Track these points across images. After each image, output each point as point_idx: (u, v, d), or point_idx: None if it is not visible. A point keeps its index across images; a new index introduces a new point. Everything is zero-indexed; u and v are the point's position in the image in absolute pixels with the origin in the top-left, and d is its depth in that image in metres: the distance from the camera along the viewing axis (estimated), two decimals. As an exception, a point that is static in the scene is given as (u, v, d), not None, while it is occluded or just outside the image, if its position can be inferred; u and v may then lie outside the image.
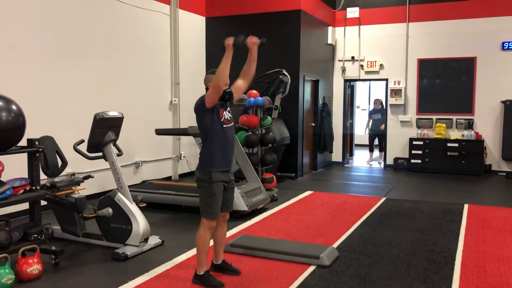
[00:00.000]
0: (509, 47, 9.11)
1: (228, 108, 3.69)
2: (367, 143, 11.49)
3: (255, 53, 3.61)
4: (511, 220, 5.65)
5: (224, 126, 3.59)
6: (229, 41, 3.44)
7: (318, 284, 3.63)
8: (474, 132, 9.36)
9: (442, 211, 6.13)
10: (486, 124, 9.43)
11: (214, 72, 3.50)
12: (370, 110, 11.47)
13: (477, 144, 9.22)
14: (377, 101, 10.95)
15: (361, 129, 14.54)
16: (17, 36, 5.61)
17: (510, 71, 9.16)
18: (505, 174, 9.22)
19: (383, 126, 10.42)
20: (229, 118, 3.66)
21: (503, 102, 9.17)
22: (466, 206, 6.42)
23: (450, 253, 4.41)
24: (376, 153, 11.40)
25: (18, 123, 3.79)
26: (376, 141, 11.20)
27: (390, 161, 10.27)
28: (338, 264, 4.09)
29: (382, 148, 10.71)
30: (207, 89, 3.62)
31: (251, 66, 3.67)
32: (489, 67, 9.31)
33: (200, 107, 3.55)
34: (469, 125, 9.46)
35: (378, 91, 14.18)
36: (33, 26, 5.79)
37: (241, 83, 3.71)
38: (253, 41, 3.53)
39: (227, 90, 3.56)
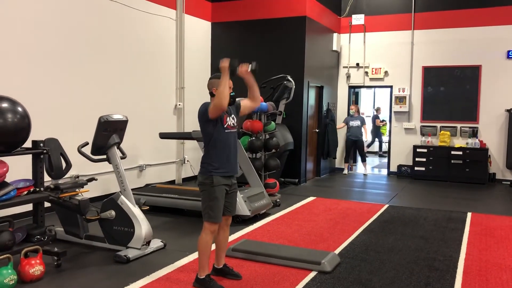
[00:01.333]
0: (515, 56, 9.11)
1: (233, 115, 3.71)
2: (372, 150, 11.42)
3: (249, 80, 3.67)
4: (514, 229, 5.63)
5: (227, 131, 3.61)
6: (225, 63, 3.48)
7: (319, 290, 3.63)
8: (479, 140, 9.33)
9: (445, 219, 6.11)
10: (490, 132, 9.40)
11: (218, 77, 3.55)
12: (347, 116, 10.46)
13: (481, 153, 9.19)
14: (353, 107, 10.34)
15: (365, 135, 14.60)
16: (24, 39, 5.66)
17: (515, 79, 9.15)
18: (509, 182, 9.18)
19: (365, 136, 10.22)
20: (232, 124, 3.68)
21: (508, 110, 9.15)
22: (469, 215, 6.40)
23: (452, 261, 4.40)
24: (361, 166, 10.76)
25: (23, 125, 3.82)
26: (356, 151, 10.69)
27: (393, 168, 10.25)
28: (339, 270, 4.08)
29: (365, 158, 10.47)
30: (211, 93, 3.64)
31: (253, 92, 3.74)
32: (494, 75, 9.30)
33: (203, 116, 3.58)
34: (474, 133, 9.44)
35: (383, 98, 14.22)
36: (40, 30, 5.85)
37: (248, 104, 3.80)
38: (243, 70, 3.59)
39: (231, 94, 3.58)
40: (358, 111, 10.45)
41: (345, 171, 10.41)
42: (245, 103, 3.80)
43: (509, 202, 7.46)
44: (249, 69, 3.59)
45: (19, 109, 3.83)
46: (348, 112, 10.54)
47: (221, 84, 3.44)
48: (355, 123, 10.16)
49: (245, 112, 3.84)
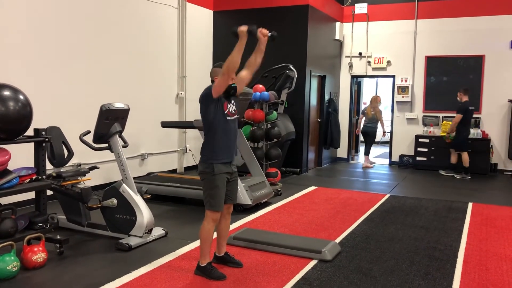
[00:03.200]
0: (518, 46, 9.05)
1: (233, 102, 3.70)
2: (376, 140, 11.28)
3: (263, 45, 3.62)
4: (515, 219, 5.64)
5: (228, 118, 3.60)
6: (243, 28, 3.43)
7: (319, 278, 3.65)
8: (481, 130, 9.31)
9: (446, 209, 6.12)
10: (493, 123, 9.38)
11: (221, 66, 3.52)
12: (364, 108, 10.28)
13: (484, 143, 9.17)
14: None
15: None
16: (26, 27, 5.64)
17: (519, 70, 9.11)
18: (510, 173, 9.18)
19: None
20: (233, 111, 3.67)
21: (511, 101, 9.11)
22: (470, 205, 6.41)
23: (452, 250, 4.41)
24: (364, 158, 10.23)
25: (25, 113, 3.82)
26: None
27: (395, 158, 10.25)
28: (340, 259, 4.10)
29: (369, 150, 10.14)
30: (212, 82, 3.63)
31: (258, 57, 3.68)
32: (497, 65, 9.24)
33: (206, 97, 3.56)
34: (476, 123, 9.41)
35: (385, 87, 14.15)
36: (42, 18, 5.82)
37: (245, 74, 3.71)
38: (264, 33, 3.55)
39: (232, 85, 3.58)
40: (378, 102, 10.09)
41: (368, 163, 10.05)
42: (240, 76, 3.67)
43: (510, 193, 7.47)
44: (269, 34, 3.57)
45: (21, 97, 3.83)
46: (357, 103, 10.53)
47: (236, 49, 3.37)
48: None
49: (241, 86, 3.70)
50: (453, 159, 9.02)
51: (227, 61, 3.39)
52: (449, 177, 8.81)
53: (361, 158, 11.07)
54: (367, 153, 10.06)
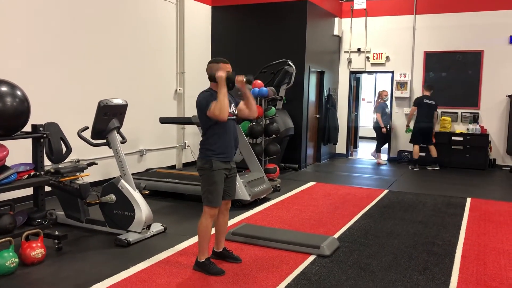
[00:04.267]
0: (517, 41, 9.04)
1: (233, 104, 3.70)
2: (372, 136, 11.29)
3: (244, 91, 3.66)
4: (513, 214, 5.65)
5: (227, 118, 3.59)
6: (222, 74, 3.48)
7: (318, 273, 3.66)
8: (479, 126, 9.31)
9: (445, 204, 6.13)
10: (491, 118, 9.38)
11: (216, 61, 3.58)
12: (382, 103, 9.94)
13: (482, 138, 9.17)
14: (386, 93, 9.98)
15: (366, 121, 14.55)
16: (23, 23, 5.62)
17: (517, 65, 9.10)
18: (509, 168, 9.18)
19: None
20: (232, 112, 3.67)
21: (509, 96, 9.11)
22: (468, 200, 6.42)
23: (451, 245, 4.42)
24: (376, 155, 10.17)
25: (22, 109, 3.82)
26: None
27: (394, 153, 10.25)
28: (338, 254, 4.11)
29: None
30: (209, 77, 3.62)
31: (249, 105, 3.72)
32: (496, 60, 9.24)
33: (202, 110, 3.57)
34: (475, 119, 9.41)
35: (384, 83, 14.14)
36: (40, 14, 5.80)
37: (246, 111, 3.75)
38: (239, 80, 3.57)
39: (230, 77, 3.55)
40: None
41: (381, 160, 9.92)
42: (242, 107, 3.76)
43: (509, 188, 7.48)
44: (244, 80, 3.58)
45: (18, 93, 3.82)
46: (355, 99, 10.53)
47: (220, 95, 3.44)
48: (388, 110, 10.02)
49: (240, 115, 3.79)
50: (432, 153, 9.16)
51: (217, 106, 3.43)
52: (447, 172, 8.82)
53: (361, 153, 11.07)
54: (378, 150, 10.03)
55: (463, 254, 4.19)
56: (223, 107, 3.43)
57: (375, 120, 10.00)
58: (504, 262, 4.00)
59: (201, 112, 3.59)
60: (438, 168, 9.18)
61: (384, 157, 10.20)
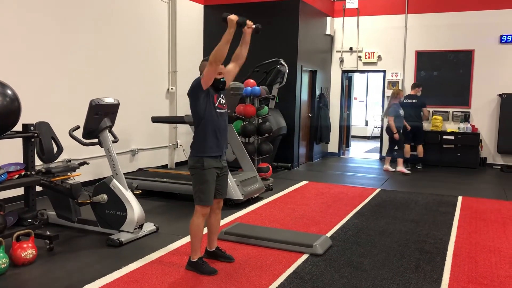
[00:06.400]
0: (507, 41, 9.11)
1: (222, 95, 3.69)
2: (365, 134, 11.24)
3: (248, 37, 3.65)
4: (503, 213, 5.70)
5: (218, 111, 3.59)
6: (234, 17, 3.43)
7: (310, 272, 3.66)
8: (470, 125, 9.39)
9: (436, 203, 6.16)
10: (482, 117, 9.45)
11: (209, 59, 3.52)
12: (396, 104, 8.75)
13: (473, 137, 9.25)
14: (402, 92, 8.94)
15: (358, 120, 14.61)
16: (14, 22, 5.57)
17: (508, 64, 9.17)
18: (499, 167, 9.27)
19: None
20: (223, 104, 3.66)
21: (500, 95, 9.19)
22: (460, 198, 6.46)
23: (442, 244, 4.45)
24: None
25: (13, 108, 3.78)
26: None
27: (386, 152, 10.27)
28: (331, 253, 4.12)
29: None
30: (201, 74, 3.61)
31: (243, 49, 3.70)
32: (487, 60, 9.31)
33: (195, 89, 3.54)
34: (466, 118, 9.48)
35: (376, 82, 14.21)
36: (31, 12, 5.75)
37: (232, 67, 3.73)
38: (249, 24, 3.57)
39: (221, 80, 3.57)
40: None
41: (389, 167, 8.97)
42: (227, 69, 3.68)
43: (499, 186, 7.54)
44: (254, 26, 3.58)
45: (9, 91, 3.79)
46: (348, 98, 10.40)
47: (224, 38, 3.37)
48: (402, 111, 8.78)
49: (230, 78, 3.71)
50: (419, 152, 9.14)
51: (214, 51, 3.38)
52: (439, 171, 8.87)
53: (353, 152, 11.07)
54: (390, 154, 9.04)
55: (455, 252, 4.21)
56: (220, 49, 3.34)
57: (386, 123, 8.93)
58: (495, 260, 4.03)
59: (194, 94, 3.53)
60: (421, 168, 9.19)
61: (397, 165, 8.91)
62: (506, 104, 9.06)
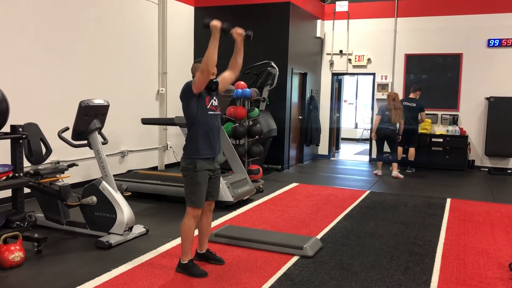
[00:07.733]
0: (495, 44, 9.22)
1: (214, 97, 3.68)
2: (354, 137, 11.28)
3: (240, 44, 3.62)
4: (491, 214, 5.75)
5: (210, 113, 3.59)
6: (217, 23, 3.40)
7: (301, 274, 3.67)
8: (459, 127, 9.48)
9: (425, 205, 6.21)
10: (470, 120, 9.55)
11: (201, 61, 3.49)
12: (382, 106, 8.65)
13: (461, 140, 9.33)
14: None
15: (348, 122, 14.69)
16: (2, 23, 5.51)
17: (495, 68, 9.28)
18: (487, 169, 9.36)
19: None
20: (215, 106, 3.65)
21: (487, 98, 9.29)
22: (448, 200, 6.52)
23: (431, 245, 4.48)
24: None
25: (1, 109, 3.75)
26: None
27: (375, 155, 10.32)
28: (321, 255, 4.13)
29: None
30: (193, 77, 3.60)
31: (238, 58, 3.67)
32: (474, 63, 9.41)
33: (186, 93, 3.53)
34: (454, 120, 9.57)
35: (365, 85, 14.29)
36: (19, 12, 5.69)
37: (228, 75, 3.71)
38: (238, 33, 3.53)
39: (214, 80, 3.56)
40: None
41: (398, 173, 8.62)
42: (223, 76, 3.68)
43: (487, 188, 7.62)
44: (244, 34, 3.52)
45: (-3, 92, 3.74)
46: (337, 100, 10.42)
47: (211, 45, 3.34)
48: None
49: (225, 85, 3.69)
50: (410, 155, 9.05)
51: (204, 58, 3.37)
52: (428, 173, 8.94)
53: (343, 155, 11.11)
54: (395, 160, 8.67)
55: (444, 254, 4.25)
56: (209, 57, 3.32)
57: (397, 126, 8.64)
58: (483, 261, 4.07)
59: (186, 97, 3.52)
60: (413, 171, 9.16)
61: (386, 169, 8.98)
62: (494, 107, 9.16)
